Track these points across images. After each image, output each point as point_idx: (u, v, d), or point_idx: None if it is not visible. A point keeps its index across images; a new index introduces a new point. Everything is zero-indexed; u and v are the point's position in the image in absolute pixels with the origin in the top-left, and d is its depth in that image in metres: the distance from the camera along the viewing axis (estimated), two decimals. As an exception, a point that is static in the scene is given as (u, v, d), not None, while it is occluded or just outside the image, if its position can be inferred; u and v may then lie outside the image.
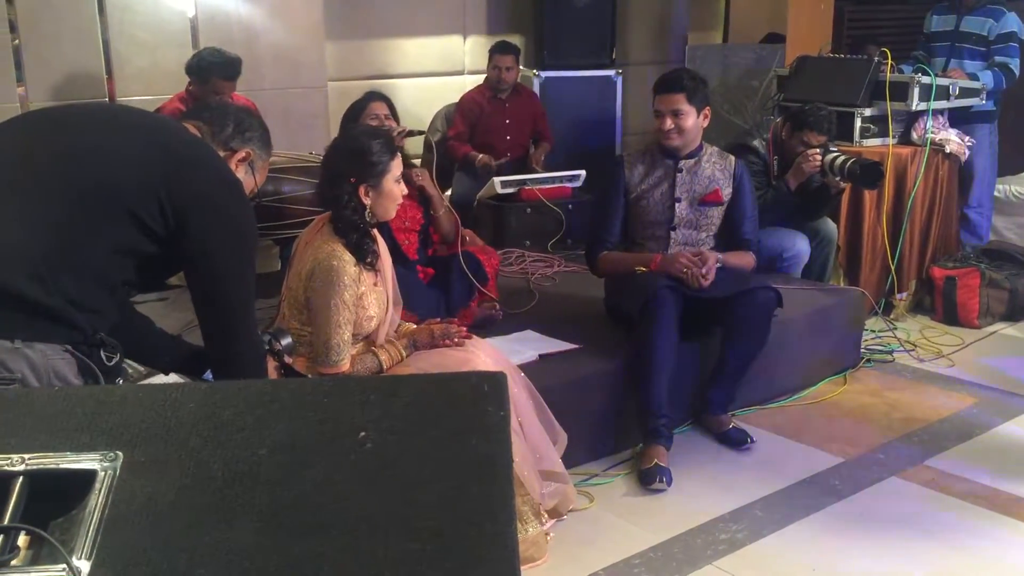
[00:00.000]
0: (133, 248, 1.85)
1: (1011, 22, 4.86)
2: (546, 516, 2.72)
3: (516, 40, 5.76)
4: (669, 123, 3.39)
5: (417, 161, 4.83)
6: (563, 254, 4.67)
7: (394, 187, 2.66)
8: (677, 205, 3.48)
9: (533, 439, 2.70)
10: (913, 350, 4.24)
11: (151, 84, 4.63)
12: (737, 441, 3.31)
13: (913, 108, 4.50)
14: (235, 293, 1.99)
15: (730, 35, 6.95)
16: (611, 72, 6.15)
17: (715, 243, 3.53)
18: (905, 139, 4.65)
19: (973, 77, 4.80)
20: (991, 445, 3.36)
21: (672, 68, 4.15)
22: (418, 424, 1.13)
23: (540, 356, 3.23)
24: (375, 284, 2.67)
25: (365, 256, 2.60)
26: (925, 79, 4.48)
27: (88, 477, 1.05)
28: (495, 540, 0.99)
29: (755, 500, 2.95)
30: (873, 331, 4.37)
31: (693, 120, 3.40)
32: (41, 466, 1.06)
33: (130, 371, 2.16)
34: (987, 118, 5.06)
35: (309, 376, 2.51)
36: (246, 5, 4.86)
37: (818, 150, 4.07)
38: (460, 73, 6.00)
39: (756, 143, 4.25)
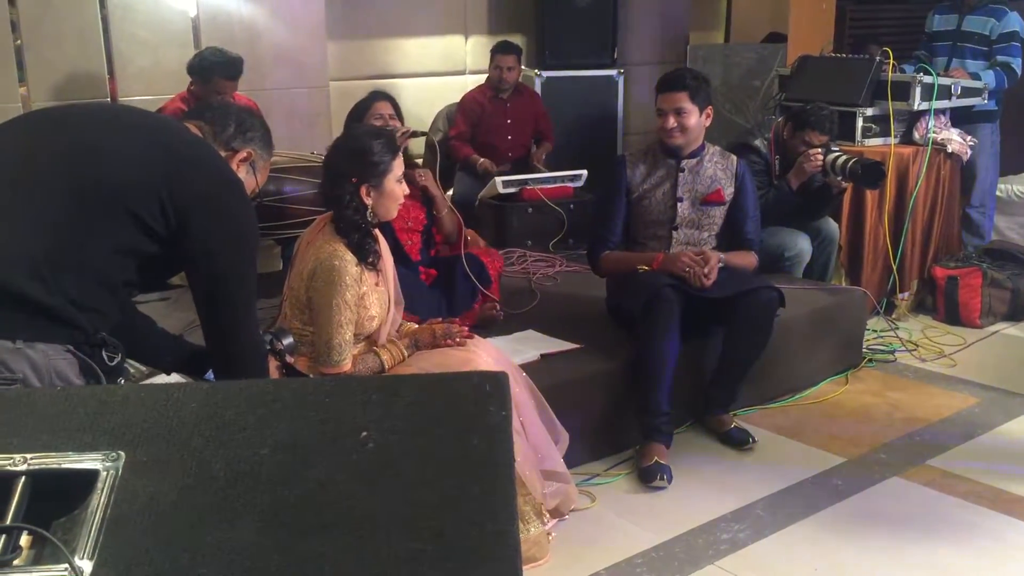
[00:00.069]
0: (134, 248, 1.85)
1: (1013, 21, 4.86)
2: (548, 516, 2.72)
3: (518, 40, 5.76)
4: (672, 122, 3.39)
5: (419, 162, 4.83)
6: (565, 254, 4.67)
7: (395, 187, 2.66)
8: (679, 205, 3.48)
9: (535, 439, 2.70)
10: (915, 350, 4.24)
11: (153, 84, 4.63)
12: (739, 441, 3.31)
13: (915, 108, 4.49)
14: (236, 293, 1.99)
15: (732, 35, 6.95)
16: (613, 72, 6.15)
17: (717, 243, 3.53)
18: (907, 139, 4.64)
19: (975, 77, 4.79)
20: (993, 445, 3.36)
21: (674, 68, 4.15)
22: (420, 424, 1.13)
23: (542, 356, 3.23)
24: (377, 284, 2.67)
25: (367, 256, 2.60)
26: (927, 79, 4.48)
27: (90, 477, 1.05)
28: (497, 540, 0.99)
29: (757, 500, 2.95)
30: (875, 331, 4.36)
31: (695, 119, 3.40)
32: (43, 466, 1.06)
33: (132, 371, 2.16)
34: (989, 118, 5.05)
35: (311, 376, 2.51)
36: (248, 5, 4.86)
37: (820, 150, 4.06)
38: (462, 73, 6.00)
39: (758, 143, 4.24)
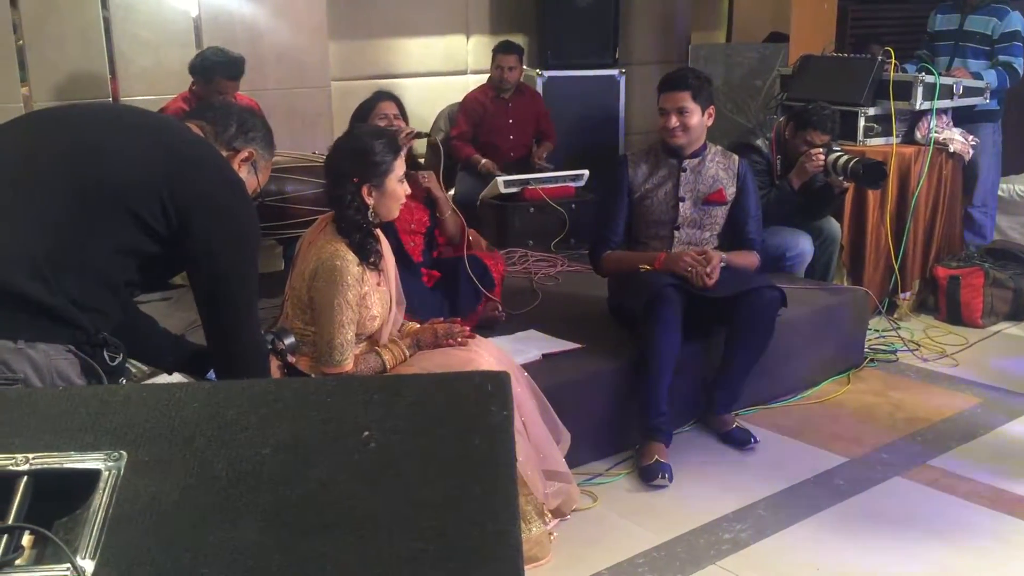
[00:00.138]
0: (136, 248, 1.85)
1: (1015, 21, 4.85)
2: (550, 516, 2.73)
3: (519, 40, 5.76)
4: (674, 121, 3.39)
5: (421, 162, 4.83)
6: (566, 254, 4.67)
7: (397, 187, 2.66)
8: (681, 204, 3.47)
9: (536, 439, 2.70)
10: (917, 350, 4.24)
11: (154, 84, 4.63)
12: (740, 441, 3.31)
13: (917, 107, 4.49)
14: (238, 293, 1.99)
15: (733, 34, 6.94)
16: (614, 72, 6.15)
17: (719, 243, 3.53)
18: (909, 138, 4.64)
19: (977, 76, 4.79)
20: (995, 445, 3.36)
21: (675, 68, 4.15)
22: (421, 424, 1.13)
23: (543, 356, 3.23)
24: (378, 284, 2.67)
25: (368, 256, 2.60)
26: (929, 78, 4.47)
27: (92, 477, 1.05)
28: (499, 540, 0.99)
29: (758, 500, 2.95)
30: (877, 331, 4.36)
31: (697, 118, 3.40)
32: (45, 466, 1.06)
33: (134, 371, 2.16)
34: (991, 117, 5.05)
35: (312, 376, 2.51)
36: (249, 5, 4.86)
37: (821, 149, 4.06)
38: (463, 73, 6.01)
39: (759, 142, 4.24)
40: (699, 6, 6.78)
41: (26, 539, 1.00)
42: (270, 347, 2.27)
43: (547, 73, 5.93)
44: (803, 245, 4.15)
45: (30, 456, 1.06)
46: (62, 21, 4.41)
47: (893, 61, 4.54)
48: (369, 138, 2.66)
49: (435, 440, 1.11)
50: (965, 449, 3.31)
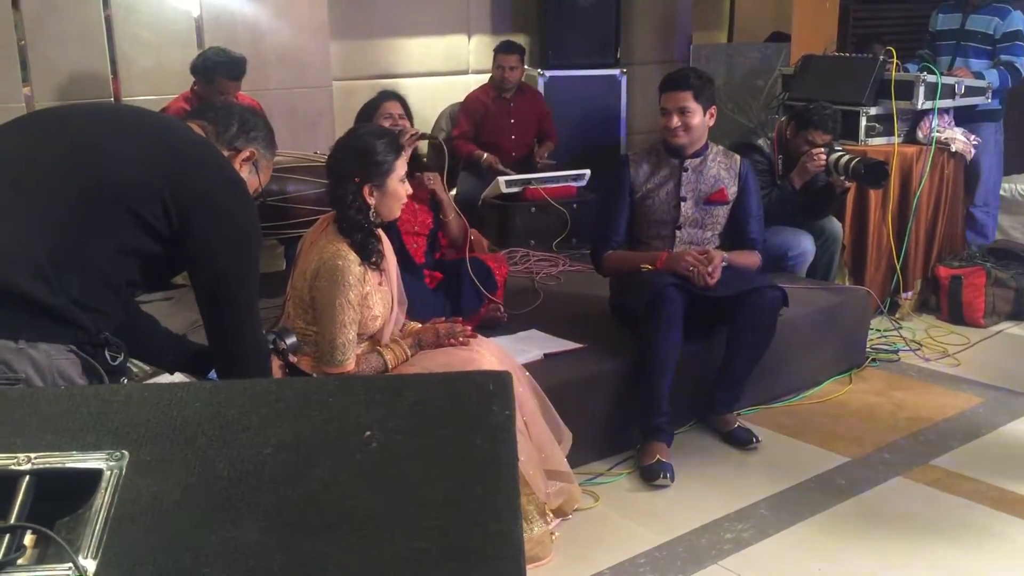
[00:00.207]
0: (137, 248, 1.85)
1: (1017, 20, 4.85)
2: (551, 515, 2.72)
3: (521, 39, 5.76)
4: (675, 121, 3.39)
5: (425, 162, 4.83)
6: (568, 253, 4.67)
7: (399, 187, 2.66)
8: (682, 204, 3.47)
9: (538, 438, 2.70)
10: (919, 349, 4.24)
11: (156, 84, 4.63)
12: (742, 441, 3.31)
13: (918, 107, 4.49)
14: (239, 293, 1.99)
15: (735, 34, 6.95)
16: (616, 71, 6.15)
17: (720, 242, 3.53)
18: (910, 138, 4.64)
19: (979, 76, 4.79)
20: (997, 444, 3.36)
21: (677, 67, 4.15)
22: (423, 423, 1.13)
23: (545, 355, 3.23)
24: (380, 284, 2.67)
25: (370, 256, 2.60)
26: (930, 78, 4.47)
27: (94, 476, 1.05)
28: (500, 539, 0.99)
29: (760, 500, 2.95)
30: (878, 330, 4.36)
31: (699, 118, 3.40)
32: (47, 465, 1.06)
33: (135, 370, 2.16)
34: (993, 117, 5.05)
35: (314, 375, 2.51)
36: (251, 5, 4.86)
37: (823, 149, 4.06)
38: (465, 72, 6.01)
39: (761, 142, 4.24)
40: (700, 6, 6.78)
41: (28, 539, 1.00)
42: (272, 347, 2.27)
43: (548, 73, 5.93)
44: (805, 245, 4.15)
45: (32, 456, 1.06)
46: (64, 21, 4.41)
47: (895, 61, 4.53)
48: (371, 138, 2.66)
49: (437, 440, 1.10)
50: (967, 449, 3.31)
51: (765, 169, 4.14)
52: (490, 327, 3.38)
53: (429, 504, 1.03)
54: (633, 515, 2.87)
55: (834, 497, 2.96)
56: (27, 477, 1.04)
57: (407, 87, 5.57)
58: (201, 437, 1.10)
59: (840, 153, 4.04)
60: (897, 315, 4.58)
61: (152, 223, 1.84)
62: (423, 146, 5.19)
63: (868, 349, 4.15)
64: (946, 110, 4.65)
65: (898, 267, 4.49)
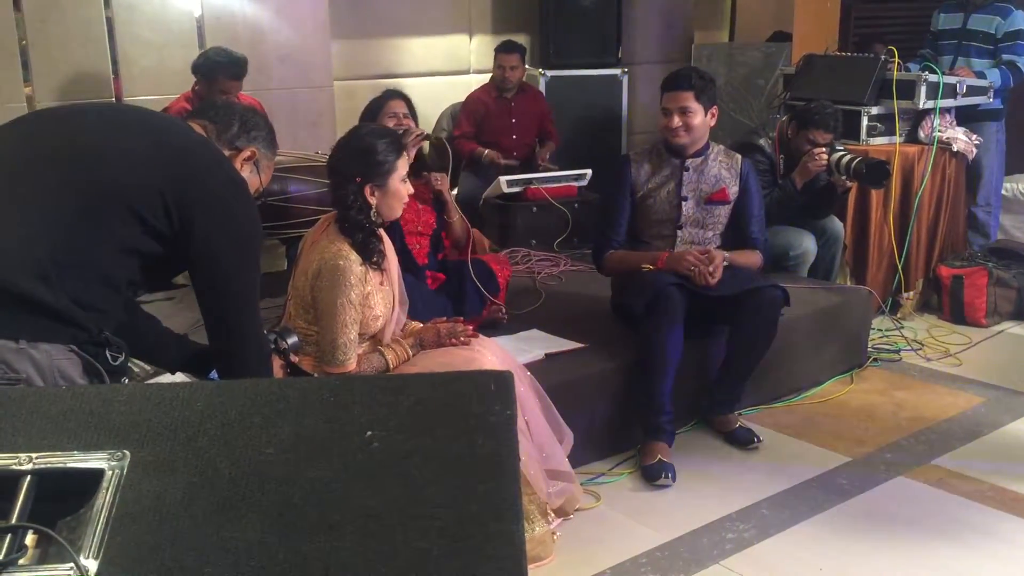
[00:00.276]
0: (138, 248, 1.85)
1: (1019, 20, 4.84)
2: (553, 515, 2.72)
3: (522, 39, 5.76)
4: (676, 121, 3.39)
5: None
6: (569, 253, 4.67)
7: (400, 187, 2.66)
8: (683, 204, 3.47)
9: (539, 438, 2.70)
10: (920, 349, 4.23)
11: (157, 84, 4.64)
12: (744, 440, 3.31)
13: (920, 106, 4.48)
14: (240, 292, 1.99)
15: (736, 34, 6.95)
16: (617, 71, 6.15)
17: (721, 242, 3.53)
18: (912, 137, 4.63)
19: (980, 75, 4.78)
20: (999, 444, 3.35)
21: (678, 67, 4.15)
22: (425, 423, 1.13)
23: (546, 355, 3.23)
24: (381, 284, 2.67)
25: (371, 256, 2.60)
26: (932, 77, 4.47)
27: (96, 476, 1.05)
28: (502, 539, 0.99)
29: (762, 499, 2.94)
30: (880, 330, 4.36)
31: (700, 118, 3.40)
32: (49, 465, 1.06)
33: (136, 370, 2.16)
34: (994, 116, 5.04)
35: (315, 375, 2.51)
36: (252, 5, 4.87)
37: (824, 149, 4.06)
38: (466, 72, 6.01)
39: (762, 142, 4.24)
40: (702, 5, 6.79)
41: (30, 538, 1.00)
42: (273, 346, 2.27)
43: (550, 73, 5.93)
44: (806, 244, 4.15)
45: (33, 456, 1.06)
46: (65, 21, 4.41)
47: (896, 60, 4.53)
48: (372, 138, 2.66)
49: (438, 440, 1.10)
50: (969, 449, 3.31)
51: (766, 169, 4.14)
52: (491, 327, 3.38)
53: (431, 504, 1.03)
54: (634, 515, 2.87)
55: (836, 497, 2.96)
56: (28, 477, 1.04)
57: (408, 87, 5.55)
58: (202, 437, 1.10)
59: (841, 153, 4.04)
60: (898, 315, 4.58)
61: (153, 223, 1.84)
62: (426, 146, 5.20)
63: (869, 349, 4.14)
64: (948, 110, 4.64)
65: (899, 267, 4.49)
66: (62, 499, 1.03)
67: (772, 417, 3.56)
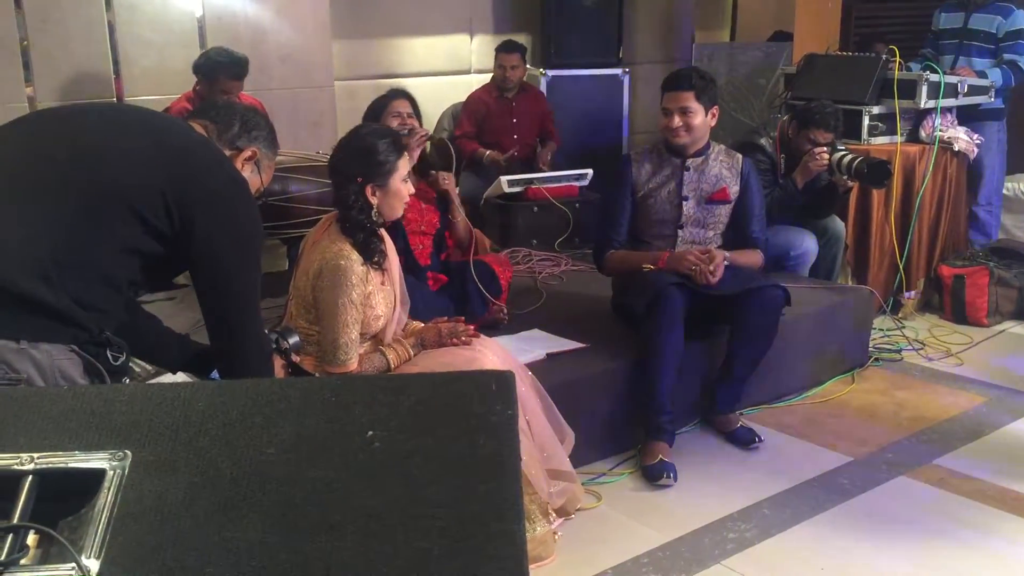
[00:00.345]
0: (139, 247, 1.85)
1: (1020, 19, 4.84)
2: (554, 515, 2.72)
3: (523, 39, 5.76)
4: (677, 121, 3.39)
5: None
6: (570, 253, 4.67)
7: (401, 187, 2.66)
8: (684, 204, 3.47)
9: (541, 438, 2.70)
10: (921, 349, 4.23)
11: (159, 84, 4.64)
12: (745, 440, 3.31)
13: (921, 106, 4.48)
14: (241, 292, 1.99)
15: (737, 33, 6.95)
16: (618, 71, 6.15)
17: (722, 242, 3.53)
18: (913, 137, 4.63)
19: (982, 75, 4.78)
20: (1000, 444, 3.35)
21: (679, 67, 4.14)
22: (426, 423, 1.13)
23: (547, 355, 3.22)
24: (382, 283, 2.67)
25: (372, 255, 2.60)
26: (933, 77, 4.47)
27: (97, 476, 1.05)
28: (503, 539, 0.99)
29: (763, 499, 2.94)
30: (881, 330, 4.36)
31: (701, 118, 3.40)
32: (50, 465, 1.06)
33: (137, 370, 2.16)
34: (996, 116, 5.04)
35: (317, 375, 2.51)
36: (253, 5, 4.87)
37: (825, 148, 4.06)
38: (467, 72, 6.01)
39: (763, 141, 4.24)
40: (703, 5, 6.79)
41: (31, 538, 1.00)
42: (274, 346, 2.27)
43: (551, 72, 5.93)
44: (807, 244, 4.15)
45: (35, 456, 1.06)
46: (66, 21, 4.41)
47: (897, 60, 4.53)
48: (373, 138, 2.66)
49: (439, 439, 1.10)
50: (970, 448, 3.30)
51: (767, 168, 4.14)
52: (492, 327, 3.38)
53: (432, 504, 1.03)
54: (636, 515, 2.87)
55: (837, 497, 2.96)
56: (30, 477, 1.04)
57: (409, 87, 5.52)
58: (204, 437, 1.10)
59: (843, 152, 4.04)
60: (900, 314, 4.58)
61: (154, 223, 1.84)
62: (428, 146, 5.20)
63: (871, 348, 4.14)
64: (949, 109, 4.64)
65: (901, 266, 4.48)
66: (63, 499, 1.03)
67: (773, 417, 3.56)
